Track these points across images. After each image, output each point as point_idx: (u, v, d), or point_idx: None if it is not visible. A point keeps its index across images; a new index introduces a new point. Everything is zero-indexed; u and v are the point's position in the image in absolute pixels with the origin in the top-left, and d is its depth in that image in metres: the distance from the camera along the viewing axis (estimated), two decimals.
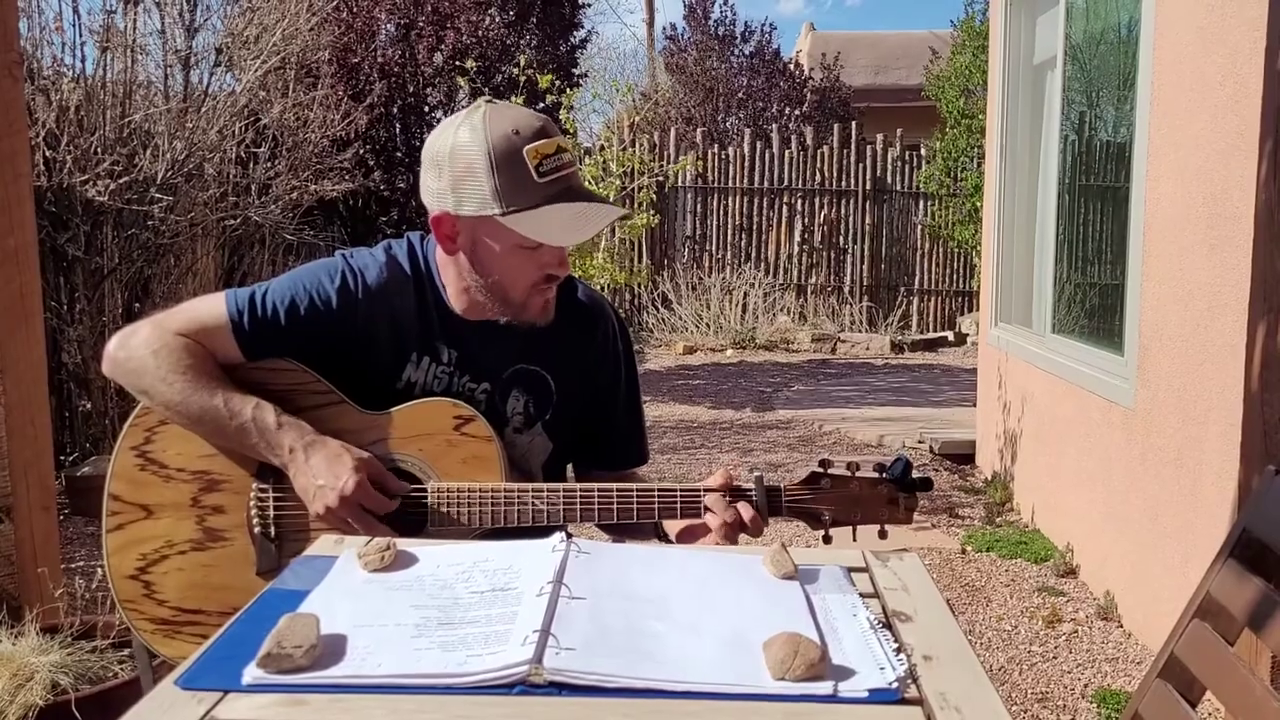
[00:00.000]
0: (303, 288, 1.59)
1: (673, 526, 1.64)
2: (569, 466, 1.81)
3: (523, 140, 1.49)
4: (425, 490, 1.54)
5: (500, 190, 1.49)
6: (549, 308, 1.63)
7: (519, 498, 1.53)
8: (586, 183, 8.54)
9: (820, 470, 1.57)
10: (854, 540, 1.56)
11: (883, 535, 1.59)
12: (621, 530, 1.73)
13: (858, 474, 1.57)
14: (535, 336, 1.65)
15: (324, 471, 1.49)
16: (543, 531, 1.43)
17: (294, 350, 1.59)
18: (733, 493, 1.53)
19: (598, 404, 1.75)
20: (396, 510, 1.53)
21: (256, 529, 1.56)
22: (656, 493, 1.54)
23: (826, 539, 1.58)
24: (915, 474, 1.59)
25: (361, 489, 1.49)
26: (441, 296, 1.64)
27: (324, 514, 1.50)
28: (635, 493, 1.53)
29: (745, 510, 1.52)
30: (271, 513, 1.56)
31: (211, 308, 1.58)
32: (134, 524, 1.55)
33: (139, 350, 1.55)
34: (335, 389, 1.59)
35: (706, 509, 1.53)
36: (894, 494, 1.56)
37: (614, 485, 1.54)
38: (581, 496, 1.53)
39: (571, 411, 1.72)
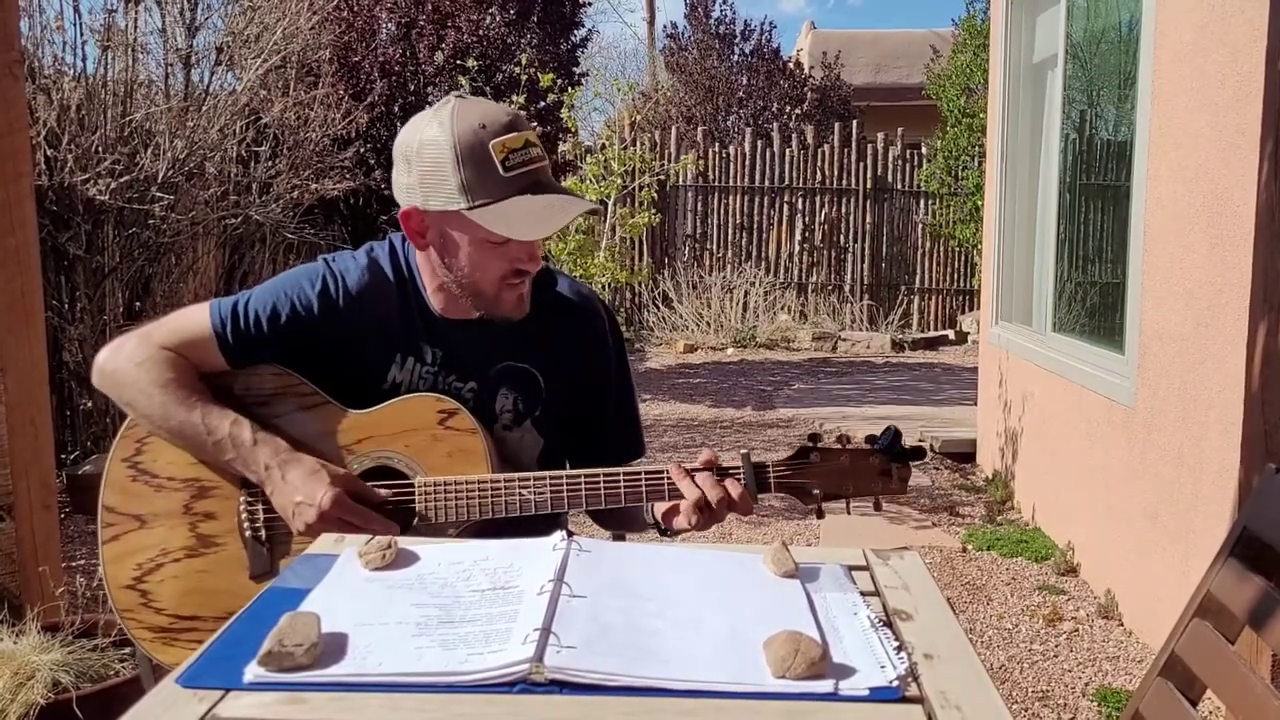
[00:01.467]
0: (284, 294, 1.60)
1: (661, 510, 1.63)
2: (565, 463, 1.80)
3: (489, 134, 1.49)
4: (412, 486, 1.54)
5: (466, 184, 1.49)
6: (522, 302, 1.62)
7: (506, 488, 1.52)
8: (587, 182, 8.55)
9: (809, 444, 1.54)
10: (847, 513, 1.54)
11: (877, 506, 1.57)
12: (614, 517, 1.72)
13: (848, 446, 1.54)
14: (522, 333, 1.65)
15: (301, 488, 1.50)
16: (534, 522, 1.42)
17: (278, 357, 1.60)
18: (719, 471, 1.52)
19: (589, 399, 1.74)
20: (384, 507, 1.53)
21: (248, 533, 1.56)
22: (644, 475, 1.53)
23: (819, 514, 1.55)
24: (905, 443, 1.57)
25: (339, 504, 1.49)
26: (423, 296, 1.64)
27: (304, 531, 1.50)
28: (622, 476, 1.52)
29: (734, 487, 1.50)
30: (261, 517, 1.56)
31: (195, 320, 1.59)
32: (129, 534, 1.56)
33: (124, 363, 1.57)
34: (320, 390, 1.59)
35: (695, 487, 1.50)
36: (886, 464, 1.53)
37: (600, 470, 1.53)
38: (568, 483, 1.52)
39: (562, 407, 1.71)
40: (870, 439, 1.56)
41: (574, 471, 1.54)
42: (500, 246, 1.54)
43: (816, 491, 1.53)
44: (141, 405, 1.55)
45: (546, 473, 1.54)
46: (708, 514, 1.50)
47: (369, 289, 1.63)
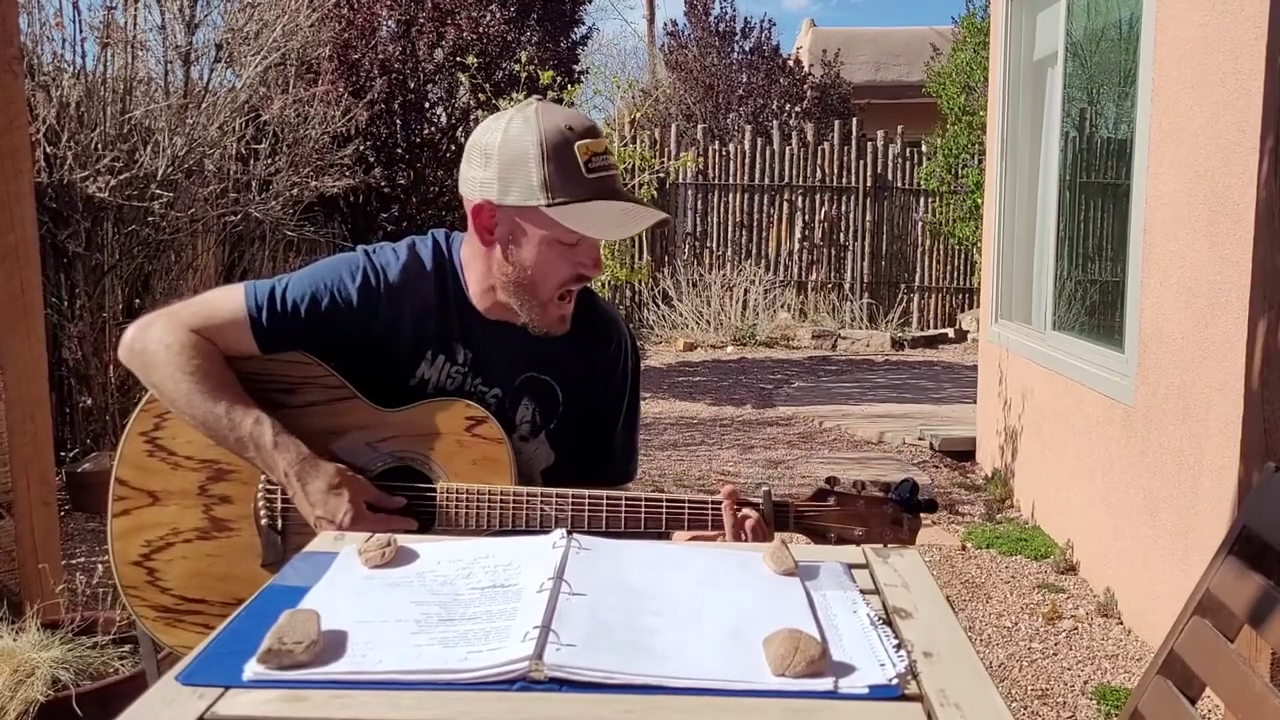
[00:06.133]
0: (324, 284, 1.59)
1: (678, 539, 1.64)
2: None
3: (575, 135, 1.50)
4: (434, 490, 1.54)
5: (548, 181, 1.49)
6: (566, 320, 1.62)
7: (528, 502, 1.53)
8: None
9: (827, 487, 1.57)
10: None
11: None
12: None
13: (864, 493, 1.57)
14: (549, 346, 1.65)
15: (321, 504, 1.51)
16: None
17: (311, 345, 1.59)
18: (740, 505, 1.54)
19: (599, 420, 1.75)
20: (405, 509, 1.54)
21: (263, 521, 1.56)
22: (665, 503, 1.54)
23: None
24: (921, 496, 1.59)
25: (359, 522, 1.50)
26: (464, 294, 1.64)
27: None
28: (644, 502, 1.54)
29: (753, 517, 1.53)
30: (279, 505, 1.56)
31: (230, 302, 1.58)
32: (140, 510, 1.55)
33: (152, 343, 1.56)
34: (349, 384, 1.59)
35: (714, 520, 1.53)
36: (899, 514, 1.56)
37: (623, 494, 1.55)
38: (590, 503, 1.53)
39: (575, 424, 1.71)
40: (886, 487, 1.57)
41: (596, 492, 1.54)
42: (569, 249, 1.54)
43: (831, 535, 1.56)
44: (167, 389, 1.54)
45: (569, 490, 1.55)
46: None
47: (409, 284, 1.62)
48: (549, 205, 1.49)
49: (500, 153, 1.51)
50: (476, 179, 1.55)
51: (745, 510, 1.53)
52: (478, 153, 1.55)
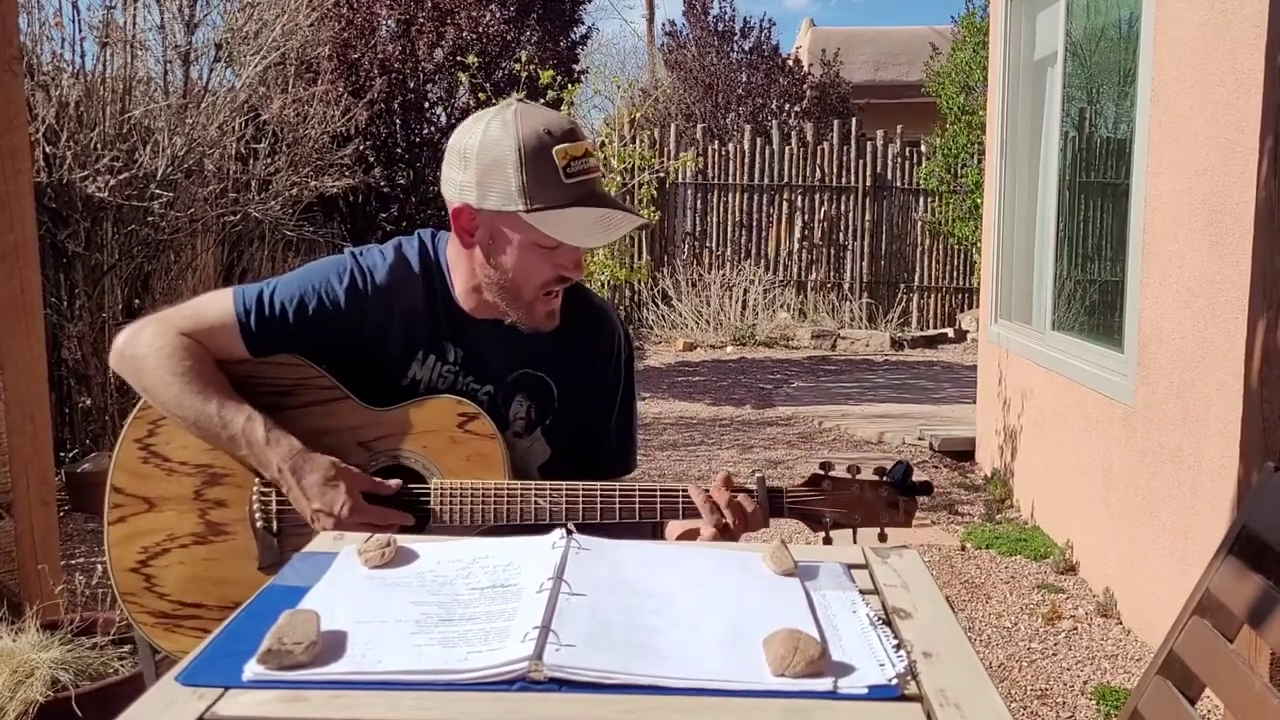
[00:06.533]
0: (311, 288, 1.59)
1: (673, 530, 1.64)
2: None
3: (553, 140, 1.49)
4: (428, 488, 1.54)
5: (526, 187, 1.49)
6: (554, 316, 1.62)
7: (521, 495, 1.53)
8: None
9: (821, 472, 1.57)
10: (854, 542, 1.56)
11: (882, 538, 1.59)
12: (619, 532, 1.73)
13: (858, 477, 1.57)
14: (542, 341, 1.64)
15: (318, 496, 1.51)
16: (545, 529, 1.43)
17: (300, 348, 1.59)
18: (735, 492, 1.54)
19: (595, 414, 1.74)
20: (400, 507, 1.54)
21: (259, 523, 1.56)
22: (659, 493, 1.54)
23: (827, 540, 1.58)
24: (915, 478, 1.59)
25: (357, 513, 1.50)
26: (451, 294, 1.64)
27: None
28: (638, 492, 1.54)
29: (748, 503, 1.52)
30: (274, 507, 1.56)
31: (218, 306, 1.59)
32: (136, 516, 1.56)
33: (142, 348, 1.56)
34: (340, 385, 1.59)
35: (711, 506, 1.52)
36: (894, 497, 1.56)
37: (617, 485, 1.55)
38: (584, 495, 1.53)
39: (570, 420, 1.71)
40: (880, 471, 1.57)
41: (591, 484, 1.54)
42: (549, 251, 1.54)
43: (826, 519, 1.56)
44: (159, 392, 1.54)
45: (563, 483, 1.55)
46: (725, 536, 1.52)
47: (396, 285, 1.62)
48: (527, 211, 1.49)
49: (479, 156, 1.51)
50: (456, 181, 1.54)
51: (742, 498, 1.52)
52: (456, 155, 1.54)
